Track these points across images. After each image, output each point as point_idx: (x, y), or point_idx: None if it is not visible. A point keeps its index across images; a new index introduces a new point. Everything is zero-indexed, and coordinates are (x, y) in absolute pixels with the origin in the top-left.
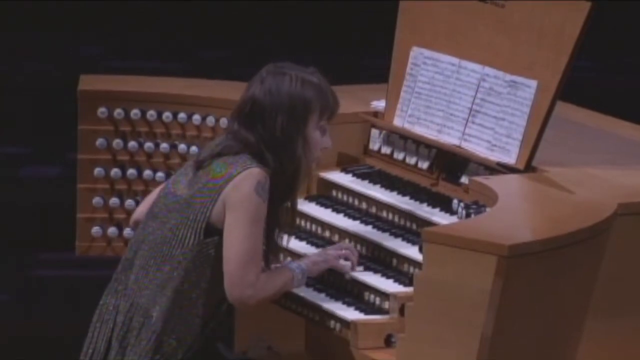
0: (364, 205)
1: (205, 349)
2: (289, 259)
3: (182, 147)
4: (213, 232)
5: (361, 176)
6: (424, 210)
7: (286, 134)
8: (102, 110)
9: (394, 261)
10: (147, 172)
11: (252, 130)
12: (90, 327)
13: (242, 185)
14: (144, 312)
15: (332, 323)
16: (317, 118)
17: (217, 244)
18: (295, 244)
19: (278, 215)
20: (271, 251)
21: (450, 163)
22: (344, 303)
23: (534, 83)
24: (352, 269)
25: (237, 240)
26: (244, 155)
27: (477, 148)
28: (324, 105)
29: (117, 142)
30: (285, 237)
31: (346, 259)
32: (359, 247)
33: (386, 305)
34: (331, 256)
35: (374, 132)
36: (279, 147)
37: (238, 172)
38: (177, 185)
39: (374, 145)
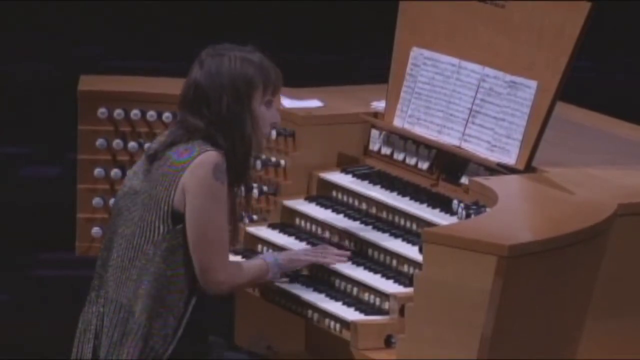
0: (364, 206)
1: (196, 339)
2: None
3: None
4: (180, 219)
5: (361, 177)
6: (424, 211)
7: (232, 113)
8: (102, 111)
9: (394, 262)
10: None
11: (199, 115)
12: (75, 341)
13: (199, 171)
14: (128, 309)
15: (332, 323)
16: (262, 93)
17: (185, 230)
18: (296, 245)
19: (234, 197)
20: (229, 232)
21: (450, 163)
22: (344, 303)
23: (534, 83)
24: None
25: (201, 226)
26: (197, 140)
27: (477, 148)
28: (266, 80)
29: (117, 143)
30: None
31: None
32: (359, 247)
33: (386, 305)
34: (309, 256)
35: (374, 133)
36: (228, 127)
37: (194, 156)
38: (133, 181)
39: (374, 146)
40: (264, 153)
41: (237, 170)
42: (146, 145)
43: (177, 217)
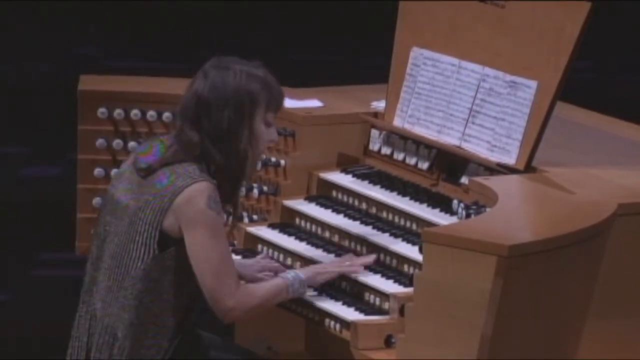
0: (364, 206)
1: (190, 338)
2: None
3: None
4: (168, 242)
5: (361, 177)
6: (424, 211)
7: (232, 127)
8: (102, 111)
9: (394, 262)
10: None
11: (197, 127)
12: (69, 349)
13: (194, 203)
14: (112, 331)
15: (332, 323)
16: (264, 111)
17: (174, 255)
18: (296, 245)
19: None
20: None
21: (450, 163)
22: (344, 303)
23: (534, 83)
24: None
25: (204, 258)
26: (190, 163)
27: (477, 148)
28: (270, 98)
29: (117, 142)
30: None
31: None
32: (359, 247)
33: (386, 305)
34: (336, 268)
35: (374, 133)
36: (225, 141)
37: (185, 184)
38: (118, 191)
39: (374, 146)
40: (261, 160)
41: (225, 189)
42: (130, 144)
43: (165, 241)
